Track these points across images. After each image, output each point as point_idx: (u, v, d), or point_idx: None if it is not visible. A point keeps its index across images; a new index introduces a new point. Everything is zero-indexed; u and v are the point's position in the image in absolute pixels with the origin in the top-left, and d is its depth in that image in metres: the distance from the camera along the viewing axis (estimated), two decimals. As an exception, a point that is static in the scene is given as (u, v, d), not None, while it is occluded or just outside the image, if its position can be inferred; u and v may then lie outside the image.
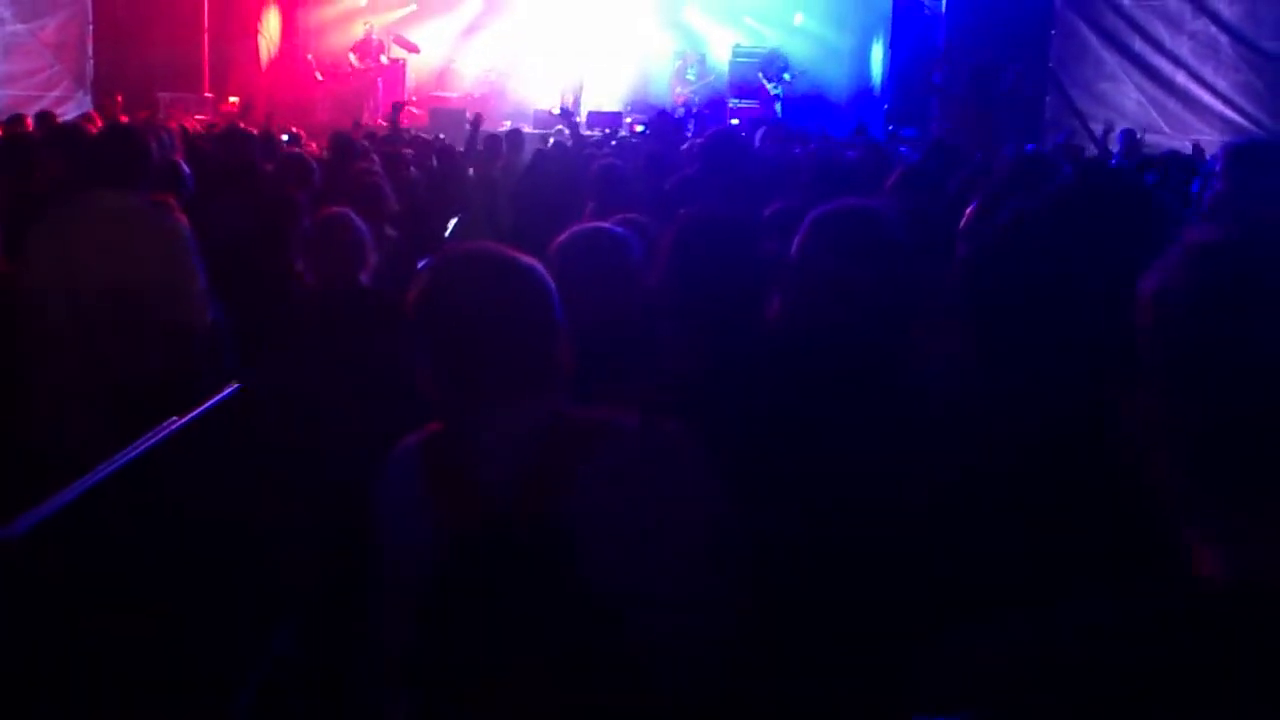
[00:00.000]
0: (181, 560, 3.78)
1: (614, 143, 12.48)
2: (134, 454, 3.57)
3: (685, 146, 7.84)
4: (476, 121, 10.86)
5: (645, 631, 1.99)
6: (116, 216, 4.22)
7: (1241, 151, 4.01)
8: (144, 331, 4.16)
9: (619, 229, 3.15)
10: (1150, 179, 6.81)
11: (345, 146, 7.41)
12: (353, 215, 4.58)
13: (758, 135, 9.21)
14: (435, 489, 2.11)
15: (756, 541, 2.11)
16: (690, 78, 21.70)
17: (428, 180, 8.58)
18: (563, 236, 3.07)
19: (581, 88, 20.98)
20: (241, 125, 10.74)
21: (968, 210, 3.32)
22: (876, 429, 2.21)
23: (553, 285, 2.13)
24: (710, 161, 4.62)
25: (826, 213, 2.52)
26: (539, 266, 2.14)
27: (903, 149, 9.96)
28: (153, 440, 3.70)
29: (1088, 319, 1.42)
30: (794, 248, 2.52)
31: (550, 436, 2.08)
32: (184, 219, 4.48)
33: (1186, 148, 14.64)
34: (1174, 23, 16.98)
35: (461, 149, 11.22)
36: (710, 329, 2.68)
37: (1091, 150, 13.01)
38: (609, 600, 1.98)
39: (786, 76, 20.69)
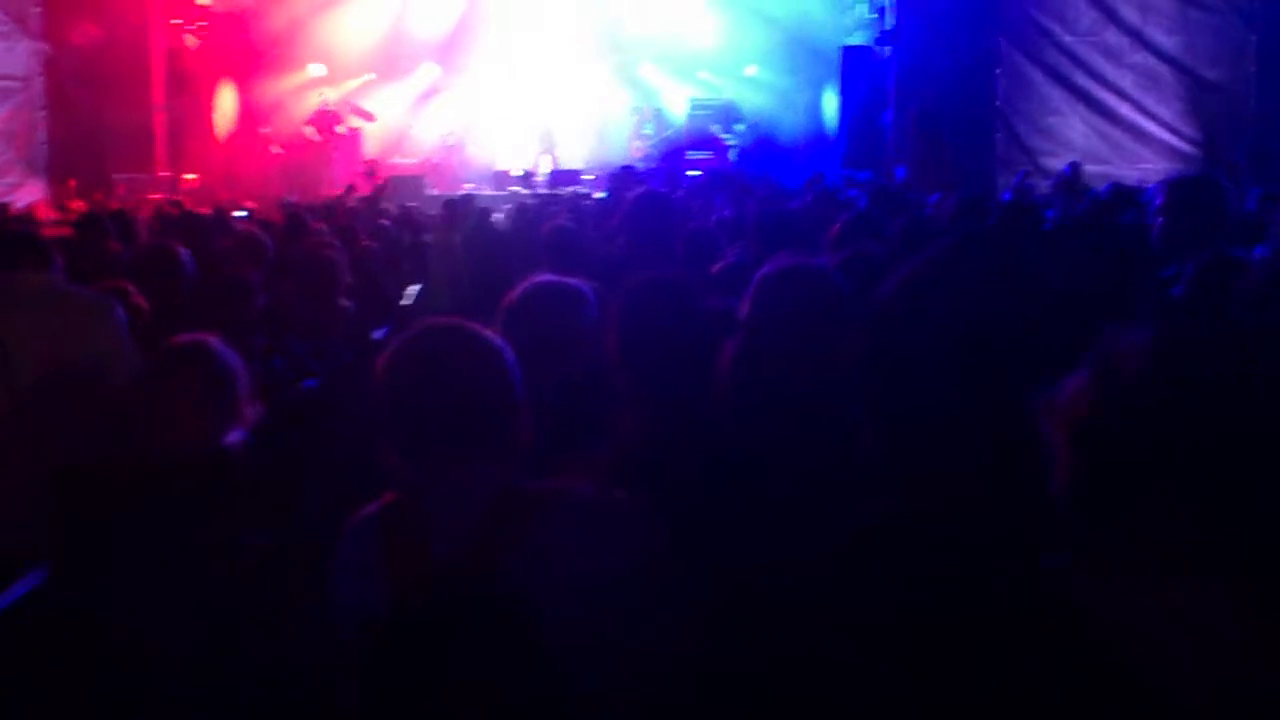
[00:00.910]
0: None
1: (573, 203, 12.54)
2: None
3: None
4: (372, 171, 10.84)
5: (591, 696, 2.02)
6: (39, 295, 4.22)
7: (1175, 187, 4.11)
8: (80, 412, 4.15)
9: (574, 281, 3.18)
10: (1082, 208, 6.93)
11: (297, 221, 7.45)
12: (213, 347, 3.37)
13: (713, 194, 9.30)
14: (388, 557, 2.14)
15: (708, 602, 2.14)
16: (648, 132, 21.91)
17: (384, 250, 8.62)
18: (518, 289, 3.11)
19: (553, 144, 21.16)
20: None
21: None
22: (828, 488, 2.24)
23: (513, 360, 2.20)
24: (638, 224, 4.68)
25: (772, 273, 2.56)
26: (501, 342, 2.22)
27: (852, 192, 10.07)
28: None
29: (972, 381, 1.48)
30: (742, 308, 2.56)
31: (501, 506, 2.12)
32: (111, 296, 4.47)
33: (1134, 177, 14.90)
34: (1115, 56, 17.31)
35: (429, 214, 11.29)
36: (660, 390, 2.71)
37: (1044, 186, 13.20)
38: (555, 668, 2.01)
39: (738, 127, 20.94)
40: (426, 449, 2.13)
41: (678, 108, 22.23)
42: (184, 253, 5.39)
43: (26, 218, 5.36)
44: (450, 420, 2.11)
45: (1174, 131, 16.94)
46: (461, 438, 2.12)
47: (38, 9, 17.51)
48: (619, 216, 5.70)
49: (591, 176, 19.55)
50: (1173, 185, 4.22)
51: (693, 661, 2.14)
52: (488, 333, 2.23)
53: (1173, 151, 16.76)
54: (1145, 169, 16.23)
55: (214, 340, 3.35)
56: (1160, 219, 4.12)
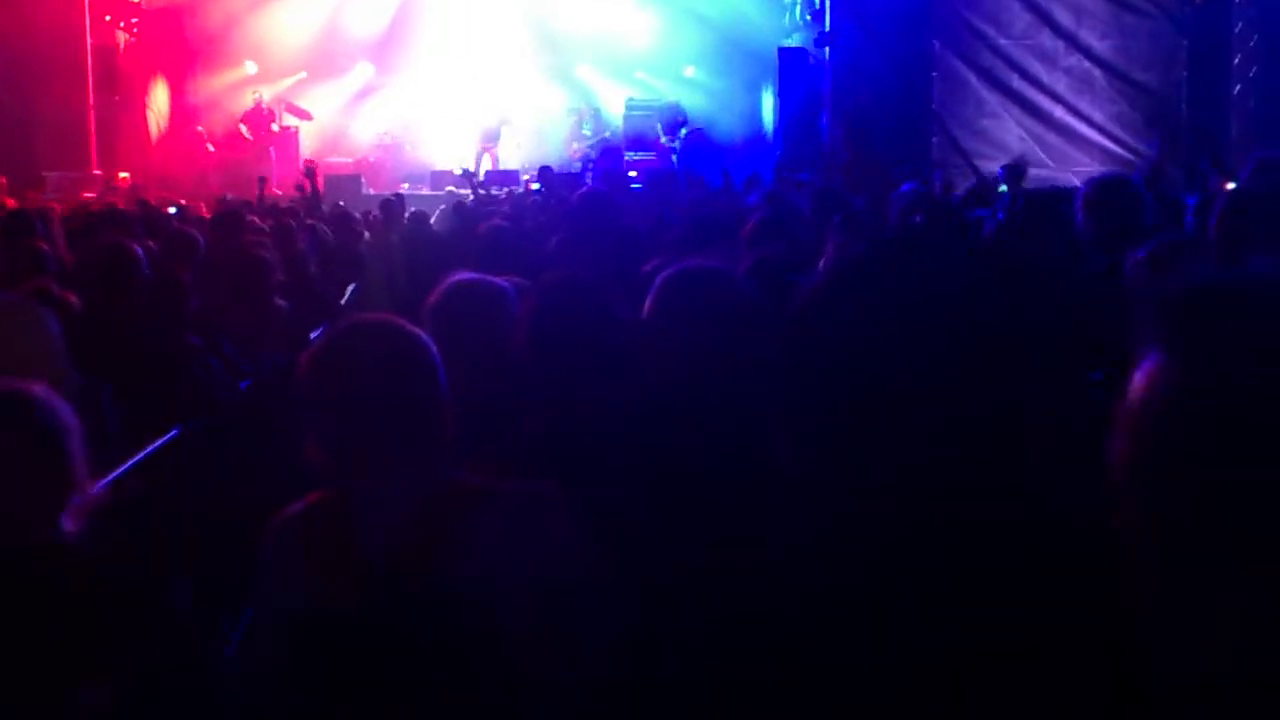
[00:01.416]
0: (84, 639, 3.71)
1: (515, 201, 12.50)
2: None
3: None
4: (311, 172, 10.75)
5: (523, 689, 2.02)
6: None
7: (1092, 187, 4.23)
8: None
9: (497, 280, 3.17)
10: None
11: (231, 220, 7.36)
12: (36, 399, 2.42)
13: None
14: (312, 558, 2.13)
15: (626, 593, 2.14)
16: (586, 133, 21.91)
17: (320, 249, 8.55)
18: (441, 286, 3.09)
19: (496, 143, 21.12)
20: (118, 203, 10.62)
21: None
22: (731, 487, 2.26)
23: (438, 357, 2.18)
24: (579, 224, 4.69)
25: (672, 275, 2.57)
26: (427, 339, 2.20)
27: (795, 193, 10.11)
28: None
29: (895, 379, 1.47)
30: (644, 311, 2.57)
31: (433, 503, 2.12)
32: (25, 296, 4.39)
33: (1070, 180, 15.10)
34: (1049, 59, 17.54)
35: (359, 214, 11.21)
36: (568, 391, 2.71)
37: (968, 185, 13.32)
38: (488, 663, 2.01)
39: (683, 131, 20.99)
40: (353, 446, 2.10)
41: (615, 108, 22.24)
42: (139, 252, 5.29)
43: None
44: (376, 417, 2.09)
45: (1107, 135, 17.21)
46: (388, 435, 2.10)
47: (-35, 6, 17.22)
48: (561, 215, 5.71)
49: (528, 176, 19.51)
50: (1091, 185, 4.33)
51: (614, 651, 2.14)
52: (414, 329, 2.22)
53: (1106, 154, 17.01)
54: (1079, 171, 16.47)
55: (39, 391, 2.45)
56: (1080, 219, 4.24)
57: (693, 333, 2.49)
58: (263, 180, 12.16)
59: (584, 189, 5.73)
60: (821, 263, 3.38)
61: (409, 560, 2.06)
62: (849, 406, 1.48)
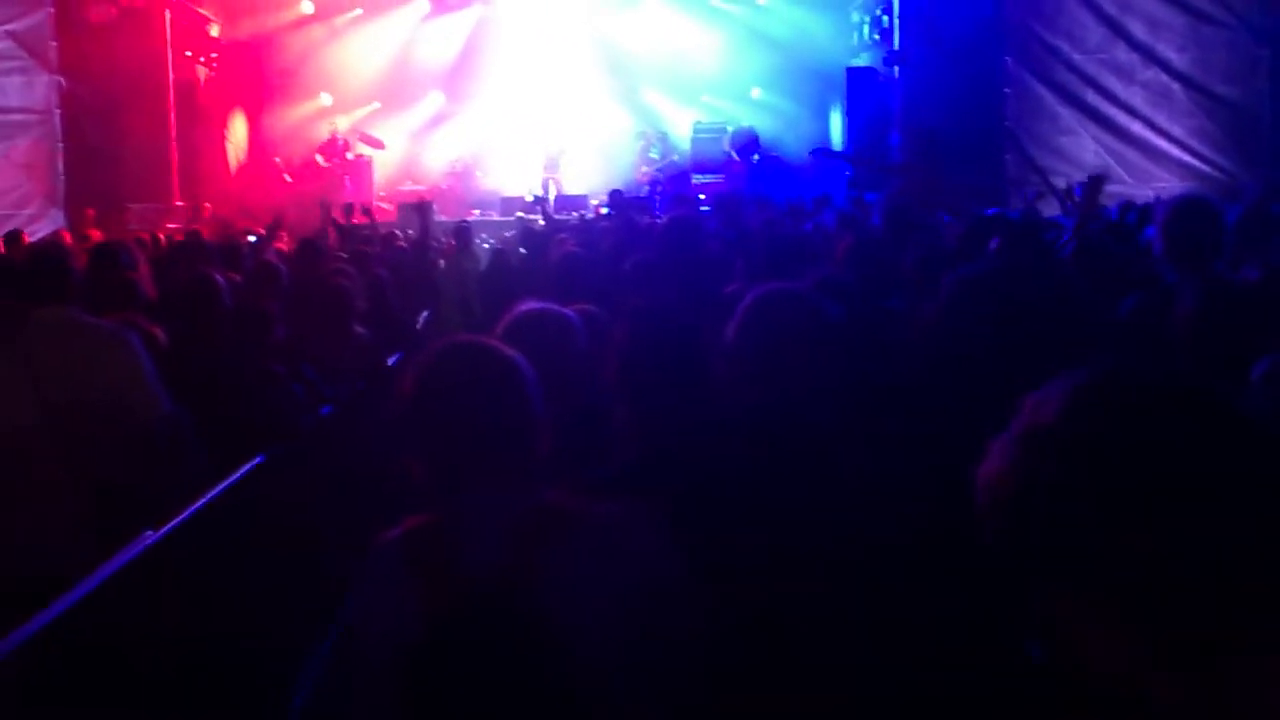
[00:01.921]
0: (169, 667, 3.79)
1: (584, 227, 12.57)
2: (113, 568, 3.59)
3: (645, 227, 7.94)
4: (424, 209, 10.93)
5: (617, 707, 2.03)
6: (61, 329, 4.25)
7: (1169, 207, 4.19)
8: (107, 435, 4.17)
9: (563, 309, 3.20)
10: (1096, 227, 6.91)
11: (311, 251, 7.49)
12: None
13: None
14: (417, 580, 2.14)
15: (712, 615, 2.15)
16: (654, 156, 21.96)
17: (396, 276, 8.66)
18: (508, 317, 3.13)
19: (558, 169, 21.29)
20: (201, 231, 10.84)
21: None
22: (814, 506, 2.26)
23: (534, 377, 2.22)
24: (668, 246, 4.71)
25: (759, 297, 2.59)
26: (523, 359, 2.24)
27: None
28: (132, 553, 3.73)
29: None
30: (728, 334, 2.59)
31: (528, 525, 2.14)
32: (122, 327, 4.50)
33: (1148, 196, 14.87)
34: (1126, 74, 17.30)
35: (431, 242, 11.34)
36: (660, 415, 2.73)
37: (1053, 207, 13.16)
38: (586, 684, 2.02)
39: (755, 157, 20.99)
40: (451, 464, 2.15)
41: (682, 131, 22.28)
42: (222, 282, 5.42)
43: (56, 245, 5.35)
44: (474, 435, 2.13)
45: (1186, 149, 16.92)
46: (485, 453, 2.14)
47: (54, 43, 17.68)
48: (634, 239, 5.72)
49: (596, 201, 19.61)
50: (1168, 206, 4.30)
51: (705, 669, 2.16)
52: (511, 350, 2.25)
53: (1186, 169, 16.74)
54: (1159, 187, 16.23)
55: None
56: (1158, 238, 4.21)
57: (780, 353, 2.51)
58: (325, 205, 12.35)
59: (671, 214, 5.74)
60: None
61: (511, 581, 2.09)
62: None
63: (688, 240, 4.80)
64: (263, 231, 11.85)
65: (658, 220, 8.51)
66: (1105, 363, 1.15)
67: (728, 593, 2.23)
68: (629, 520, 2.19)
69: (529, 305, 3.18)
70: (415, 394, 2.18)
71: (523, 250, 9.23)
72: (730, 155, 21.10)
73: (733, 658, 2.17)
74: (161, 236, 12.29)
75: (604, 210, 15.29)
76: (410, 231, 12.75)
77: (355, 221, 11.43)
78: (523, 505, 2.16)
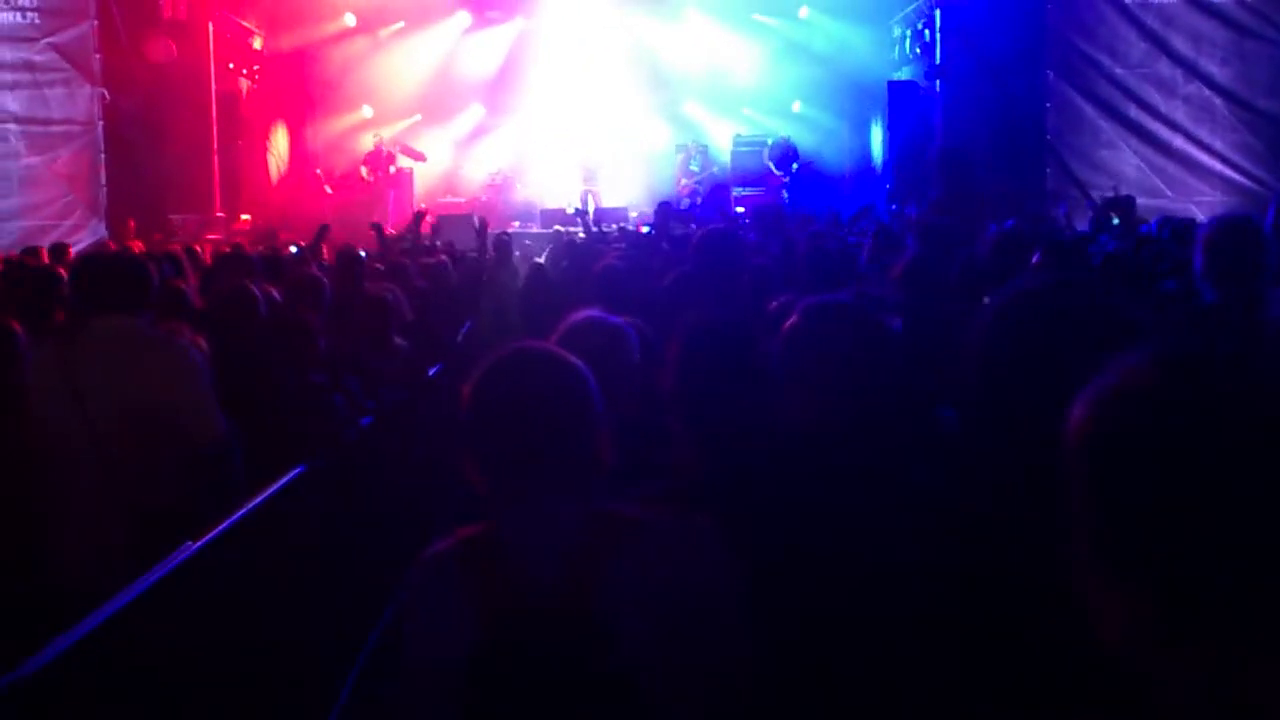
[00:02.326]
0: (210, 678, 3.81)
1: (619, 241, 12.59)
2: (153, 579, 3.61)
3: (683, 237, 7.93)
4: (483, 226, 11.02)
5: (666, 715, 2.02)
6: (121, 341, 4.25)
7: (1212, 226, 4.17)
8: (158, 454, 4.19)
9: (617, 320, 3.20)
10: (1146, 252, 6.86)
11: (353, 262, 7.53)
12: None
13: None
14: (476, 590, 2.12)
15: (769, 624, 2.15)
16: (694, 169, 22.00)
17: (436, 288, 8.70)
18: (562, 325, 3.13)
19: (595, 182, 21.36)
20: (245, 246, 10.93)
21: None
22: (869, 519, 2.25)
23: (596, 384, 2.20)
24: (705, 259, 4.70)
25: (807, 310, 2.59)
26: (584, 366, 2.21)
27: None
28: (172, 564, 3.75)
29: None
30: (781, 343, 2.58)
31: (591, 535, 2.13)
32: (186, 340, 4.51)
33: (1189, 210, 14.73)
34: (1167, 88, 17.16)
35: (471, 253, 11.39)
36: (717, 427, 2.74)
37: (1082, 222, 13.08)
38: (645, 692, 2.01)
39: (794, 166, 21.00)
40: (515, 474, 2.12)
41: (722, 144, 22.32)
42: (260, 294, 5.46)
43: (134, 255, 5.38)
44: (541, 444, 2.11)
45: (1229, 164, 16.76)
46: (551, 463, 2.11)
47: (98, 55, 17.89)
48: (676, 252, 5.72)
49: (636, 214, 19.65)
50: (1211, 225, 4.28)
51: (763, 678, 2.14)
52: (574, 358, 2.22)
53: (1228, 184, 16.58)
54: (1201, 201, 16.07)
55: None
56: (1199, 256, 4.19)
57: (831, 365, 2.50)
58: (379, 227, 12.39)
59: (709, 226, 5.74)
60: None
61: (569, 592, 2.07)
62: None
63: (723, 253, 4.79)
64: (302, 243, 11.95)
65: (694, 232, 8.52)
66: (1198, 339, 1.16)
67: (784, 604, 2.23)
68: (691, 530, 2.17)
69: (583, 314, 3.17)
70: (478, 400, 2.15)
71: (564, 264, 9.27)
72: (769, 168, 21.12)
73: (787, 670, 2.16)
74: (203, 248, 12.37)
75: (645, 228, 15.35)
76: (451, 243, 12.80)
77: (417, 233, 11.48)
78: (582, 515, 2.14)
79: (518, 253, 12.42)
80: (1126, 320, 1.89)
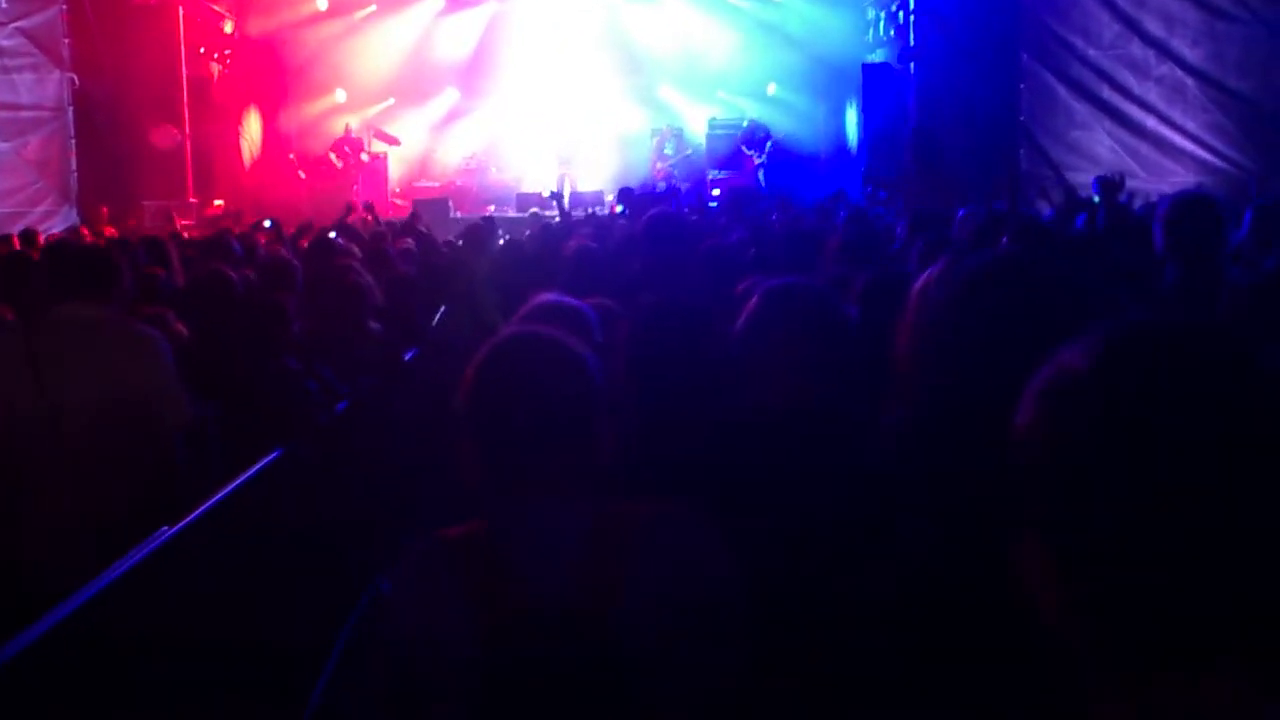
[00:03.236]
0: (186, 664, 3.80)
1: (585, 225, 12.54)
2: (128, 565, 3.60)
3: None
4: (370, 207, 10.79)
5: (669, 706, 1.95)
6: (85, 329, 4.21)
7: (1172, 204, 4.21)
8: (123, 442, 4.15)
9: (579, 302, 3.17)
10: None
11: (325, 246, 7.50)
12: None
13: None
14: (478, 590, 1.99)
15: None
16: (668, 152, 21.98)
17: (413, 273, 8.67)
18: (524, 309, 3.09)
19: (571, 167, 21.32)
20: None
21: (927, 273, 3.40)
22: (830, 501, 2.26)
23: (599, 370, 2.08)
24: (652, 244, 4.70)
25: (770, 291, 2.58)
26: (589, 353, 2.09)
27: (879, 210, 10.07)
28: (148, 549, 3.74)
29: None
30: (739, 326, 2.57)
31: (598, 534, 2.01)
32: (152, 328, 4.47)
33: (1163, 191, 14.78)
34: (1140, 69, 17.22)
35: (444, 238, 11.35)
36: (666, 411, 2.73)
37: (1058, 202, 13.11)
38: (655, 691, 1.94)
39: (769, 146, 21.00)
40: (514, 468, 1.99)
41: (697, 127, 22.31)
42: (236, 278, 5.43)
43: (102, 246, 5.29)
44: (543, 435, 1.97)
45: (1201, 144, 16.84)
46: (553, 456, 1.98)
47: (67, 40, 17.73)
48: (635, 237, 5.73)
49: (611, 197, 19.63)
50: (1168, 202, 4.31)
51: (752, 664, 2.11)
52: (576, 343, 2.10)
53: (1201, 165, 16.66)
54: (1174, 182, 16.15)
55: None
56: (1158, 234, 4.23)
57: (792, 347, 2.49)
58: (350, 208, 12.32)
59: (652, 212, 5.71)
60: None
61: (581, 593, 1.96)
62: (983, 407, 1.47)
63: (669, 238, 4.78)
64: (271, 220, 11.88)
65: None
66: (1142, 315, 1.12)
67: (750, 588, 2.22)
68: (693, 522, 2.09)
69: (545, 297, 3.13)
70: (477, 387, 2.01)
71: (538, 246, 9.25)
72: (741, 150, 21.13)
73: (761, 649, 2.15)
74: (178, 234, 12.29)
75: (618, 209, 15.31)
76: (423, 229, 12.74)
77: (359, 220, 11.41)
78: (589, 511, 2.02)
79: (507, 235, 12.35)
80: (1076, 292, 1.90)
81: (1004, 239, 5.16)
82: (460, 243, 10.69)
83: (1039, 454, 1.09)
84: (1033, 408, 1.11)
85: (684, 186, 19.43)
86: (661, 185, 19.75)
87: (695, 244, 5.19)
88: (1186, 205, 4.16)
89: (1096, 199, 11.88)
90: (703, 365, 2.68)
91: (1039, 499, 1.09)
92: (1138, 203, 9.21)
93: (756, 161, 20.91)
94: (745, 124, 21.57)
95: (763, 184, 19.64)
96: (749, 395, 2.56)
